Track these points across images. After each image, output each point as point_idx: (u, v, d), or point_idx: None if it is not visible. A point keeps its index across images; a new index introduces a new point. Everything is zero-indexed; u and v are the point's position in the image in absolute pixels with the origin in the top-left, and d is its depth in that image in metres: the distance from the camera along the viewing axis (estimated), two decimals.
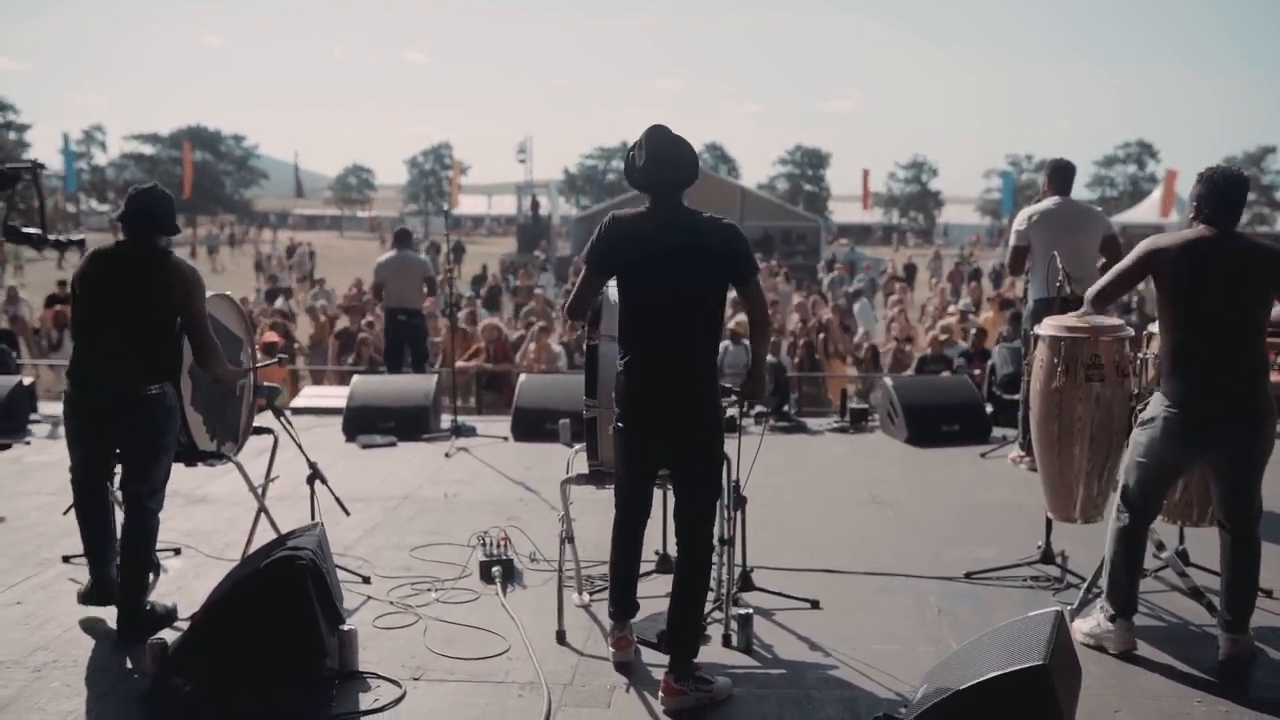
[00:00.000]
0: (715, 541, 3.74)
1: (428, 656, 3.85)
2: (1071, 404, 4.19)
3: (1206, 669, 3.71)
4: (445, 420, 7.94)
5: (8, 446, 7.27)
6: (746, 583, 4.40)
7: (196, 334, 4.06)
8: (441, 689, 3.61)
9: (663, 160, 3.43)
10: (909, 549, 5.08)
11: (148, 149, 69.06)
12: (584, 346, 4.28)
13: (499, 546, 4.70)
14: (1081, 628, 3.92)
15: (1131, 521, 3.80)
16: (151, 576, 4.20)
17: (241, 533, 4.98)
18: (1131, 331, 4.31)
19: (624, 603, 3.77)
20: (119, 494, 4.23)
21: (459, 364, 9.78)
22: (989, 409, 7.92)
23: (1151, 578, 4.49)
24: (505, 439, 7.62)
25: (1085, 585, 4.25)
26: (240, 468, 4.69)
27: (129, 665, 3.79)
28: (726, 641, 3.95)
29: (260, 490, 4.75)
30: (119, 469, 4.15)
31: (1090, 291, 3.98)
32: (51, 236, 4.26)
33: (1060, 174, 6.43)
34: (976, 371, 9.58)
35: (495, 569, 4.58)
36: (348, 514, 5.21)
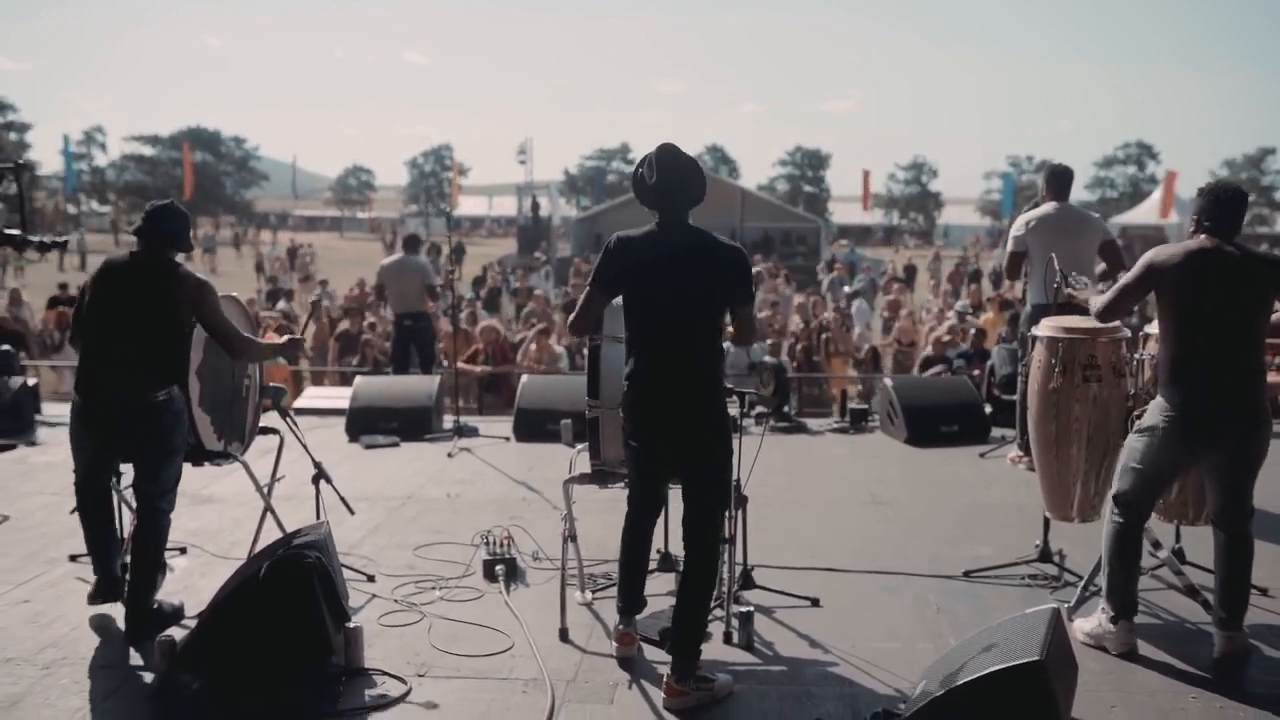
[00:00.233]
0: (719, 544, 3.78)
1: (432, 654, 3.90)
2: (1069, 404, 4.24)
3: (1202, 666, 3.75)
4: (447, 421, 7.99)
5: (13, 447, 7.32)
6: (747, 581, 4.45)
7: (222, 336, 4.16)
8: (446, 685, 3.65)
9: (672, 179, 3.49)
10: (908, 548, 5.13)
11: (148, 150, 69.06)
12: (586, 347, 4.33)
13: (502, 545, 4.74)
14: (1083, 627, 3.96)
15: (1126, 523, 3.84)
16: (159, 576, 4.24)
17: (246, 532, 5.03)
18: (1128, 333, 4.37)
19: (632, 599, 3.81)
20: (128, 493, 4.28)
21: (459, 365, 9.83)
22: (988, 409, 7.96)
23: (1148, 576, 4.53)
24: (507, 439, 7.67)
25: (1082, 583, 4.29)
26: (247, 467, 4.73)
27: (137, 663, 3.83)
28: (728, 639, 3.99)
29: (266, 490, 4.80)
30: (126, 469, 4.21)
31: (1097, 306, 4.02)
32: (34, 238, 4.30)
33: (1058, 179, 6.46)
34: (976, 372, 9.63)
35: (498, 568, 4.63)
36: (352, 513, 5.26)
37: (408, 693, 3.58)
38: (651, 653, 3.85)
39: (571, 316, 3.80)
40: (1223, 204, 3.78)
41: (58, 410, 8.48)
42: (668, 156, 3.49)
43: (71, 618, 4.21)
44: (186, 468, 4.37)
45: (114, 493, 4.32)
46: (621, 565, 3.82)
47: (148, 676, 3.69)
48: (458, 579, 4.66)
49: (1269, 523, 5.33)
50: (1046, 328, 4.36)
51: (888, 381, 8.13)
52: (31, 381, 8.42)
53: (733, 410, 3.97)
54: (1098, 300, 4.03)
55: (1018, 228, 6.46)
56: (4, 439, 7.42)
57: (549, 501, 5.93)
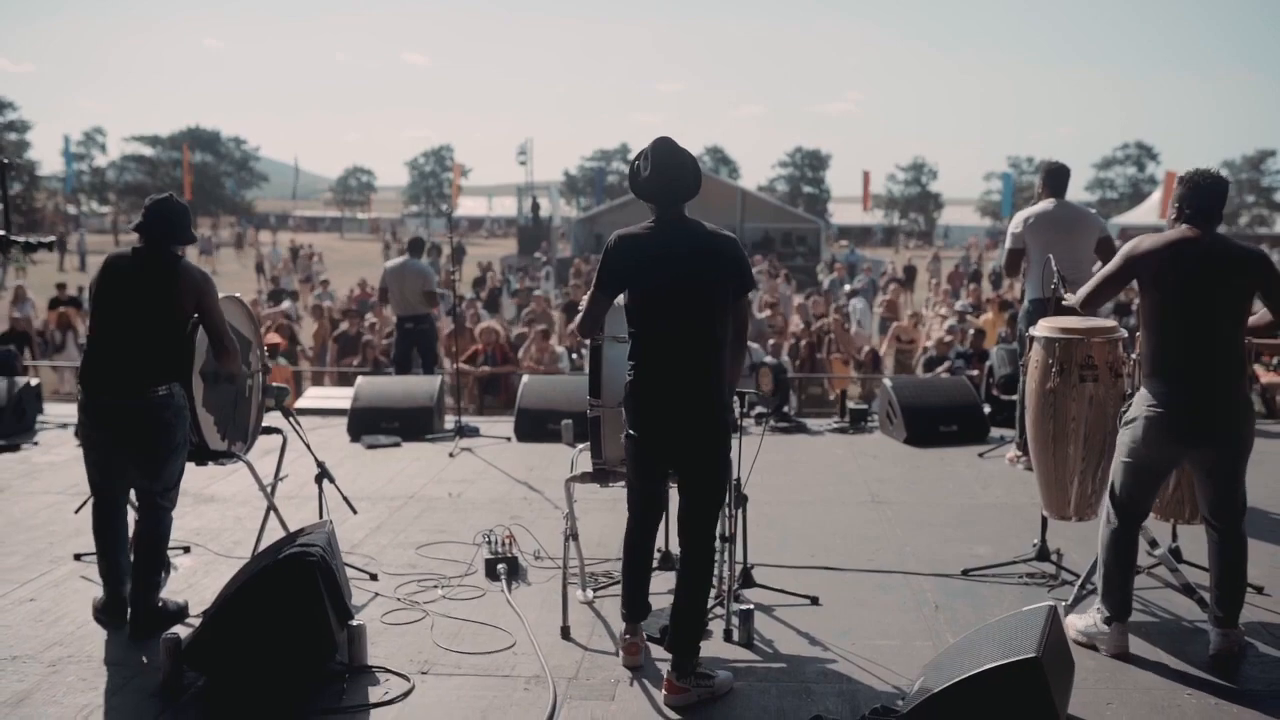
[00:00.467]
0: (717, 539, 3.81)
1: (435, 651, 3.93)
2: (1066, 404, 4.27)
3: (1198, 664, 3.78)
4: (449, 421, 8.03)
5: (16, 447, 7.35)
6: (747, 579, 4.48)
7: (215, 334, 4.18)
8: (449, 683, 3.69)
9: (668, 172, 3.51)
10: (907, 547, 5.16)
11: (147, 150, 69.07)
12: (587, 347, 4.35)
13: (504, 544, 4.77)
14: (1076, 624, 3.98)
15: (1121, 524, 3.86)
16: (163, 574, 4.27)
17: (249, 531, 5.06)
18: (1124, 333, 4.40)
19: (636, 605, 3.82)
20: (132, 493, 4.30)
21: (459, 365, 9.86)
22: (987, 409, 7.99)
23: (1145, 574, 4.56)
24: (508, 439, 7.70)
25: (1079, 581, 4.32)
26: (250, 467, 4.76)
27: (143, 660, 3.86)
28: (728, 636, 4.02)
29: (269, 489, 4.83)
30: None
31: (1078, 298, 4.04)
32: (18, 238, 4.32)
33: (1055, 177, 6.50)
34: (975, 372, 9.67)
35: (500, 566, 4.66)
36: (355, 512, 5.30)
37: (411, 690, 3.61)
38: (653, 650, 3.88)
39: (577, 319, 3.83)
40: (1203, 191, 3.77)
41: (60, 410, 8.52)
42: (663, 150, 3.52)
43: (77, 616, 4.24)
44: (189, 467, 4.40)
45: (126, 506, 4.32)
46: (625, 572, 3.83)
47: (153, 673, 3.72)
48: (460, 578, 4.70)
49: (1265, 522, 5.38)
50: (1044, 328, 4.40)
51: (887, 382, 8.16)
52: (34, 381, 8.45)
53: (733, 410, 4.00)
54: (1080, 290, 4.04)
55: (1015, 225, 6.50)
56: (7, 439, 7.45)
57: (550, 501, 5.97)
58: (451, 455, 7.19)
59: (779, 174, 75.81)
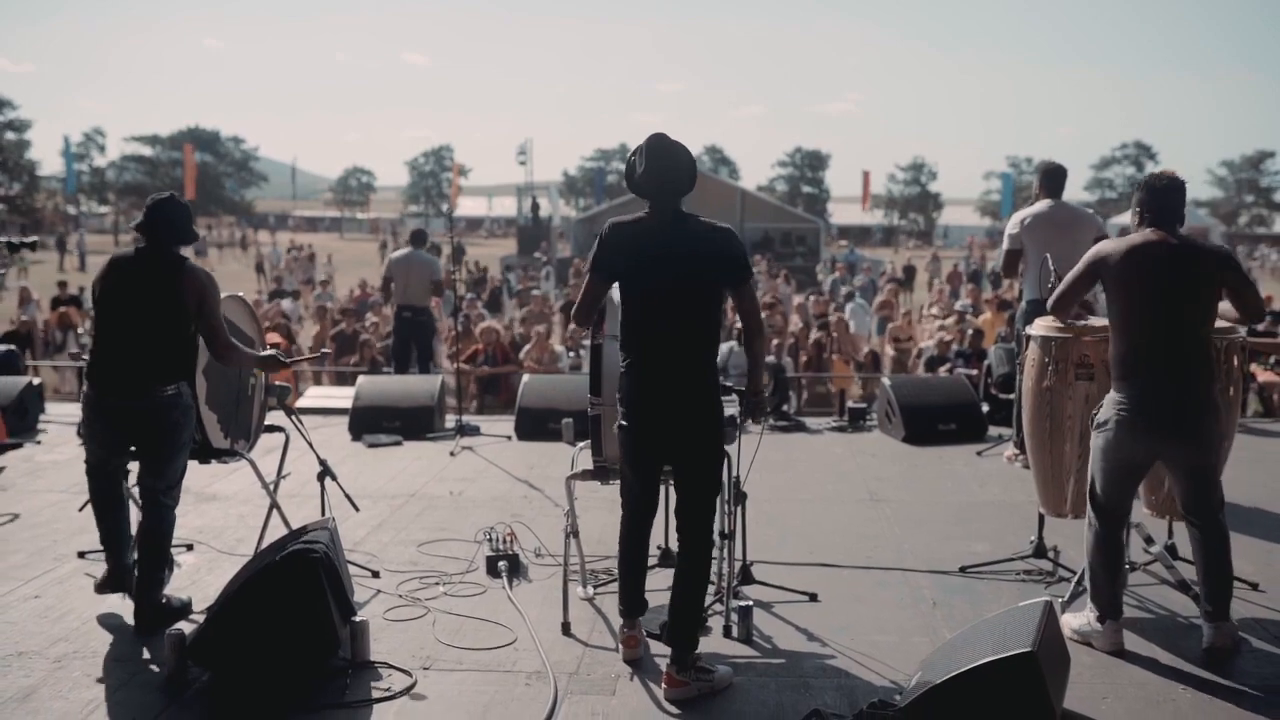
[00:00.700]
0: (716, 536, 3.84)
1: (437, 647, 3.96)
2: (1062, 402, 4.31)
3: (1194, 660, 3.81)
4: (450, 420, 8.06)
5: (19, 446, 7.39)
6: (746, 576, 4.51)
7: (212, 335, 4.19)
8: (451, 678, 3.72)
9: (663, 166, 3.52)
10: (905, 544, 5.20)
11: (147, 150, 69.07)
12: (587, 345, 4.39)
13: (505, 542, 4.80)
14: (1071, 623, 4.00)
15: (1103, 527, 3.88)
16: (166, 571, 4.30)
17: (251, 529, 5.09)
18: None
19: (633, 600, 3.86)
20: (135, 490, 4.34)
21: (459, 365, 9.90)
22: (985, 408, 8.03)
23: (1141, 571, 4.60)
24: (509, 438, 7.73)
25: (1075, 578, 4.36)
26: (254, 465, 4.80)
27: (147, 656, 3.90)
28: (727, 632, 4.05)
29: (272, 487, 4.87)
30: (132, 465, 4.27)
31: (1049, 303, 4.06)
32: (1, 239, 4.37)
33: (1052, 177, 6.53)
34: (974, 371, 9.70)
35: (501, 563, 4.69)
36: (357, 510, 5.33)
37: (413, 685, 3.64)
38: (653, 645, 3.92)
39: (575, 307, 3.86)
40: (1162, 193, 3.81)
41: (62, 410, 8.55)
42: (659, 145, 3.54)
43: (82, 612, 4.28)
44: (192, 465, 4.43)
45: (124, 486, 4.37)
46: (621, 568, 3.86)
47: (158, 669, 3.76)
48: (461, 575, 4.73)
49: (1262, 520, 5.41)
50: (1040, 327, 4.43)
51: (885, 381, 8.20)
52: (36, 381, 8.48)
53: (731, 409, 4.03)
54: (1051, 296, 4.06)
55: (1013, 226, 6.53)
56: (10, 438, 7.48)
57: (550, 499, 6.00)
58: (452, 454, 7.22)
59: (778, 174, 75.89)
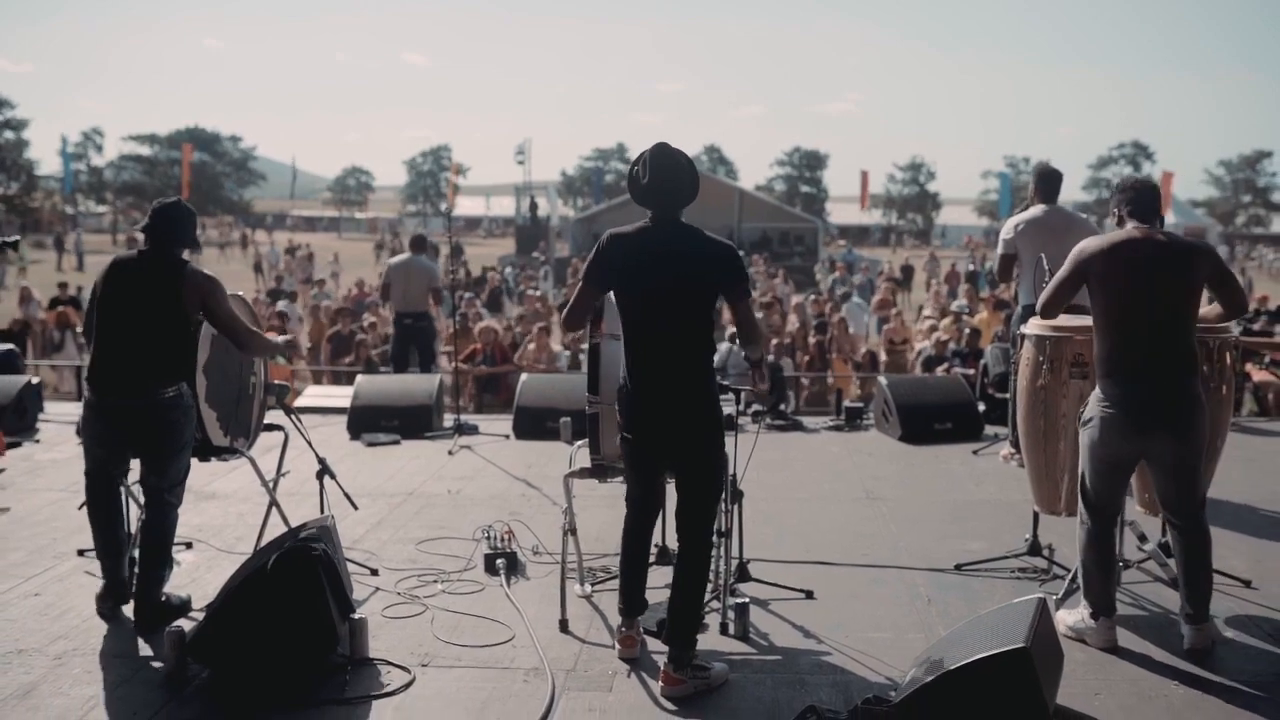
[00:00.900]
0: (713, 535, 3.87)
1: (435, 644, 3.99)
2: (1056, 401, 4.33)
3: (1186, 656, 3.84)
4: (448, 419, 8.09)
5: (18, 444, 7.41)
6: (743, 574, 4.54)
7: (230, 331, 4.24)
8: (449, 674, 3.74)
9: (666, 177, 3.55)
10: (901, 542, 5.23)
11: (145, 150, 68.98)
12: (585, 345, 4.41)
13: (503, 540, 4.83)
14: (1065, 620, 4.02)
15: (1094, 524, 3.90)
16: (167, 570, 4.32)
17: (250, 527, 5.12)
18: None
19: (633, 600, 3.88)
20: (136, 489, 4.36)
21: (458, 364, 9.92)
22: (981, 407, 8.06)
23: (1135, 569, 4.63)
24: (507, 437, 7.76)
25: (1070, 576, 4.38)
26: (253, 463, 4.82)
27: (147, 653, 3.92)
28: (724, 630, 4.08)
29: (271, 485, 4.89)
30: (135, 463, 4.29)
31: (1038, 307, 4.08)
32: None
33: (1047, 181, 6.53)
34: (970, 371, 9.73)
35: (499, 561, 4.72)
36: (355, 508, 5.35)
37: (411, 682, 3.67)
38: (649, 642, 3.94)
39: (565, 312, 3.89)
40: (1139, 192, 3.86)
41: (61, 409, 8.57)
42: (662, 155, 3.56)
43: (81, 610, 4.30)
44: (192, 463, 4.45)
45: (123, 490, 4.38)
46: (622, 567, 3.89)
47: (158, 666, 3.78)
48: (459, 572, 4.76)
49: (1254, 518, 5.44)
50: (1034, 326, 4.46)
51: (882, 380, 8.22)
52: (35, 380, 8.50)
53: (730, 408, 4.05)
54: (1040, 297, 4.07)
55: (1007, 231, 6.54)
56: (10, 437, 7.50)
57: (548, 498, 6.03)
58: (451, 453, 7.25)
59: (777, 174, 75.89)
